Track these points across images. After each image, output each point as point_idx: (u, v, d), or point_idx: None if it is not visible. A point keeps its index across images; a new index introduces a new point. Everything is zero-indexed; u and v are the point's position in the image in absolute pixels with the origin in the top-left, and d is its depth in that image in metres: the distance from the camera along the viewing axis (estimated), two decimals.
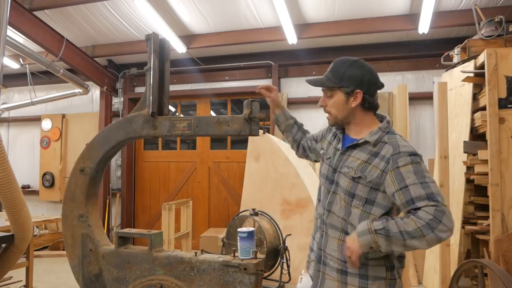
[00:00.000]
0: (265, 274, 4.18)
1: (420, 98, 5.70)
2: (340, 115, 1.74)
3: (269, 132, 6.05)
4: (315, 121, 5.04)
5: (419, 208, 1.48)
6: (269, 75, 6.31)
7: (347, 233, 1.66)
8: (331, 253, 1.71)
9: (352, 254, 1.55)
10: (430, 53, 5.59)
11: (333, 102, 1.74)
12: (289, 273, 4.21)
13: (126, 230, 2.30)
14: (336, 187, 1.71)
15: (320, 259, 1.76)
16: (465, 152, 3.89)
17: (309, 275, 1.85)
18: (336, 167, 1.73)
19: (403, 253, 1.66)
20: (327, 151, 1.85)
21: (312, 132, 2.16)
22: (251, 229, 2.05)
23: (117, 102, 6.97)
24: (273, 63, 6.22)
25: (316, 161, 2.10)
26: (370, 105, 1.72)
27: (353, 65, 1.71)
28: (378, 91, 1.77)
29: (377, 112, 1.79)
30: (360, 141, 1.68)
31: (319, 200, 1.85)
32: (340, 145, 1.77)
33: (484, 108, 3.69)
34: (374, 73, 1.73)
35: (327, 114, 1.80)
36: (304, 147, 2.11)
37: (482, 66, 3.69)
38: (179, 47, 5.74)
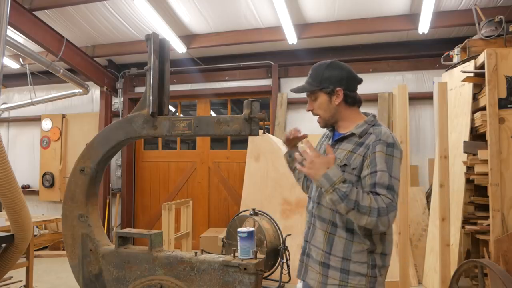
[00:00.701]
0: (265, 274, 4.19)
1: (420, 98, 5.71)
2: (327, 115, 1.83)
3: (269, 132, 6.05)
4: (315, 121, 5.03)
5: (377, 194, 1.59)
6: (269, 75, 6.31)
7: (334, 225, 1.73)
8: (316, 244, 1.78)
9: (305, 168, 1.64)
10: (430, 53, 5.59)
11: (318, 104, 1.83)
12: (289, 273, 4.21)
13: (126, 230, 2.30)
14: None
15: (305, 251, 1.83)
16: (465, 152, 3.89)
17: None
18: None
19: (386, 251, 1.73)
20: (319, 150, 1.94)
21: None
22: (251, 229, 2.05)
23: (117, 102, 6.97)
24: (273, 63, 6.22)
25: None
26: (353, 100, 1.81)
27: (330, 67, 1.83)
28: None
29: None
30: (347, 134, 1.78)
31: (308, 197, 1.93)
32: (330, 142, 1.87)
33: (484, 108, 3.69)
34: (351, 70, 1.84)
35: (317, 117, 1.89)
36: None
37: (482, 66, 3.69)
38: (179, 47, 5.74)
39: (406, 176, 3.93)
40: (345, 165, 1.70)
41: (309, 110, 1.89)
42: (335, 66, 1.83)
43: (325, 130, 2.00)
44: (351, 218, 1.60)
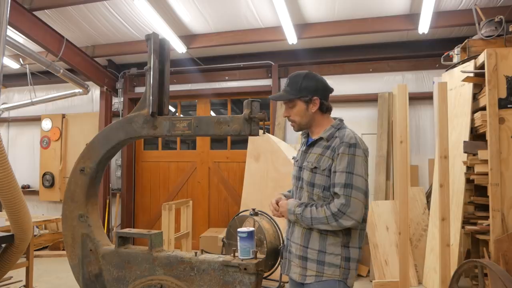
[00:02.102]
0: (265, 274, 4.18)
1: (420, 98, 5.71)
2: (303, 121, 2.00)
3: (269, 132, 6.05)
4: None
5: (335, 193, 1.81)
6: (269, 75, 6.31)
7: None
8: (295, 240, 1.96)
9: (277, 213, 2.01)
10: (430, 53, 5.59)
11: (296, 111, 2.00)
12: None
13: (126, 230, 2.30)
14: (301, 182, 1.98)
15: (287, 248, 2.02)
16: (465, 152, 3.89)
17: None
18: (300, 165, 2.02)
19: (358, 245, 1.90)
20: (297, 156, 2.12)
21: None
22: (251, 229, 2.05)
23: (117, 102, 6.97)
24: (273, 63, 6.22)
25: None
26: (326, 108, 2.01)
27: (307, 77, 1.99)
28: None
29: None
30: (316, 139, 1.97)
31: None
32: (304, 147, 2.06)
33: (484, 108, 3.69)
34: (325, 81, 2.03)
35: (290, 122, 2.07)
36: None
37: (482, 66, 3.69)
38: (179, 47, 5.74)
39: (406, 176, 3.93)
40: (315, 167, 1.90)
41: (285, 116, 2.06)
42: (312, 77, 1.99)
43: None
44: (324, 228, 1.84)
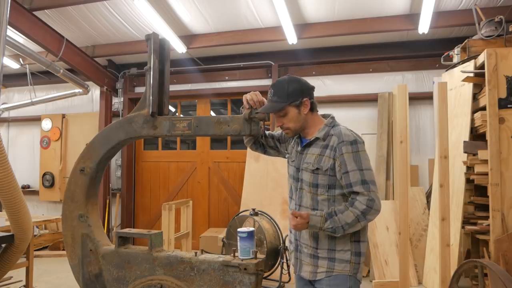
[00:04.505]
0: (265, 274, 4.18)
1: (420, 98, 5.70)
2: (298, 125, 1.98)
3: None
4: None
5: (355, 192, 1.81)
6: (269, 75, 6.31)
7: None
8: (305, 242, 1.96)
9: (297, 228, 1.83)
10: (430, 53, 5.58)
11: (289, 118, 1.96)
12: (289, 273, 4.21)
13: (126, 230, 2.30)
14: (301, 183, 1.97)
15: (297, 248, 2.00)
16: (465, 152, 3.89)
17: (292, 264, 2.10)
18: (298, 166, 2.00)
19: (365, 239, 1.94)
20: (291, 154, 2.10)
21: None
22: (251, 229, 2.05)
23: (117, 102, 6.97)
24: (273, 63, 6.22)
25: (276, 156, 2.31)
26: (315, 106, 2.01)
27: (291, 81, 1.96)
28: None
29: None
30: (312, 139, 1.96)
31: (290, 197, 2.10)
32: (299, 148, 2.03)
33: (484, 108, 3.69)
34: (306, 81, 2.01)
35: (283, 131, 2.04)
36: (263, 144, 2.26)
37: (482, 66, 3.69)
38: (179, 47, 5.74)
39: (406, 176, 3.93)
40: (317, 168, 1.89)
41: (278, 126, 2.02)
42: (295, 80, 1.98)
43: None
44: (353, 230, 1.84)
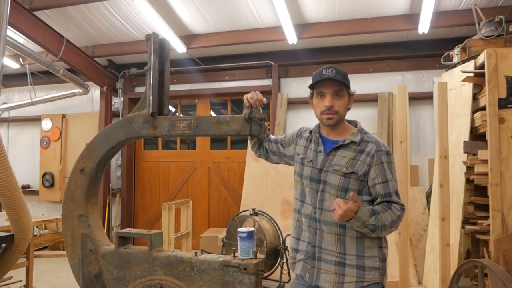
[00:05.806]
0: (265, 274, 4.18)
1: (420, 98, 5.71)
2: (342, 116, 1.86)
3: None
4: (315, 122, 5.04)
5: (392, 202, 1.76)
6: (269, 75, 6.31)
7: (342, 226, 1.78)
8: (328, 248, 1.79)
9: (346, 215, 1.60)
10: (430, 53, 5.59)
11: (342, 103, 1.84)
12: (289, 273, 4.21)
13: (126, 230, 2.30)
14: (324, 185, 1.82)
15: (314, 256, 1.82)
16: (465, 152, 3.89)
17: (296, 274, 1.93)
18: (322, 167, 1.84)
19: (386, 244, 1.87)
20: (306, 155, 1.93)
21: None
22: (251, 229, 2.04)
23: (117, 102, 6.97)
24: (273, 63, 6.22)
25: (277, 163, 2.21)
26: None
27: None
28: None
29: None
30: (346, 142, 1.84)
31: (301, 201, 1.91)
32: (321, 147, 1.89)
33: (484, 108, 3.69)
34: None
35: (326, 115, 1.83)
36: (266, 148, 2.17)
37: (482, 66, 3.69)
38: (179, 47, 5.74)
39: (406, 176, 3.93)
40: (352, 172, 1.78)
41: (327, 106, 1.81)
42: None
43: (296, 129, 2.08)
44: (379, 235, 1.77)
